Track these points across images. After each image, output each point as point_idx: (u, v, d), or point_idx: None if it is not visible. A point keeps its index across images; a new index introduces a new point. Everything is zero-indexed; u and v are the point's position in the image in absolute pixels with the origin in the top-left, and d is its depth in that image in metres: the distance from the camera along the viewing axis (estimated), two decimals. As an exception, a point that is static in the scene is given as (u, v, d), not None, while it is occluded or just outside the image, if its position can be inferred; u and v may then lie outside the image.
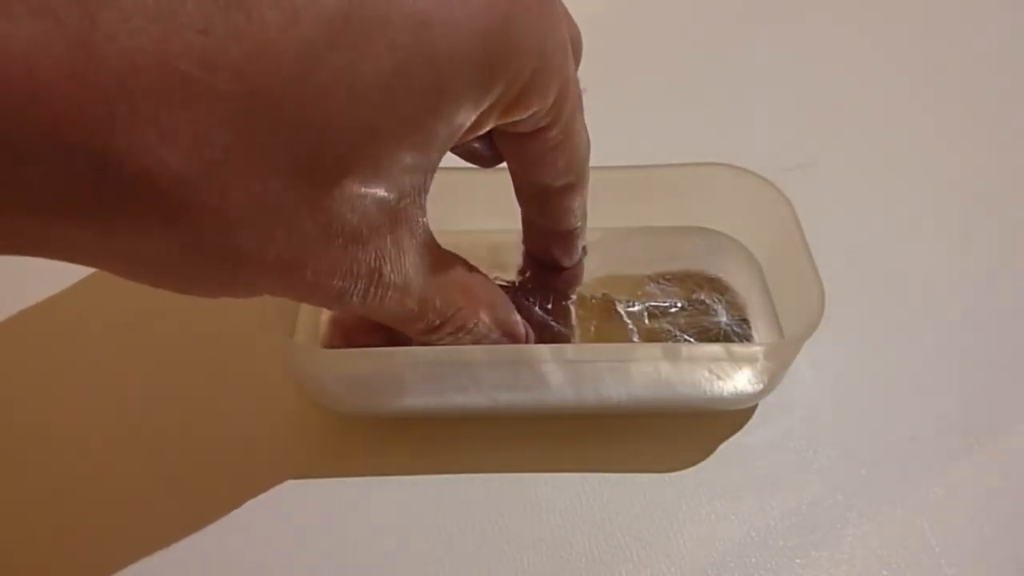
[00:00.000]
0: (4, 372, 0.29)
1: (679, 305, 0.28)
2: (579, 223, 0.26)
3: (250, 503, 0.25)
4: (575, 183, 0.24)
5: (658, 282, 0.29)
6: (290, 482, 0.26)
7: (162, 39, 0.14)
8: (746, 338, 0.28)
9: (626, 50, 0.43)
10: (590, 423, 0.27)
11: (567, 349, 0.26)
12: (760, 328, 0.29)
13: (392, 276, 0.20)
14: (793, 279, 0.27)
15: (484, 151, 0.24)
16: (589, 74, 0.41)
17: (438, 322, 0.22)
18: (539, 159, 0.23)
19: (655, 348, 0.26)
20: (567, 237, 0.27)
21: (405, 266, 0.20)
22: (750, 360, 0.25)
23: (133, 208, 0.15)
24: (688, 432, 0.27)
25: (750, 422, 0.27)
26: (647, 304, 0.28)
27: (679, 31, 0.44)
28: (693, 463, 0.26)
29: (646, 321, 0.28)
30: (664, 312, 0.28)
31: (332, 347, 0.26)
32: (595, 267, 0.30)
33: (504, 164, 0.24)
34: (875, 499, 0.25)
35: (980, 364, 0.29)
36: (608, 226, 0.31)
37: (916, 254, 0.33)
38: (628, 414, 0.28)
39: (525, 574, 0.24)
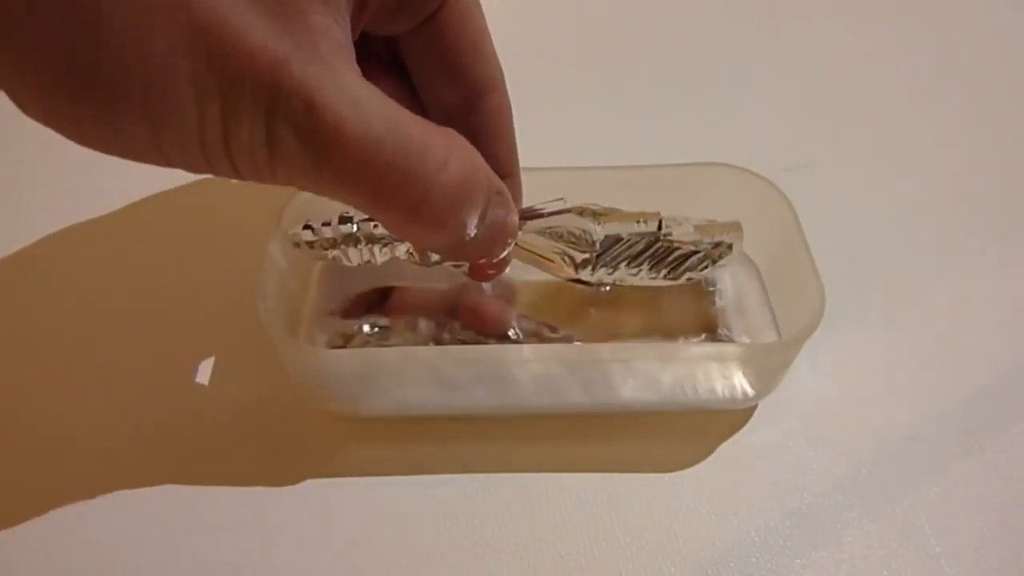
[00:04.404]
0: (4, 372, 0.29)
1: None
2: (515, 165, 0.24)
3: (250, 503, 0.26)
4: (496, 85, 0.23)
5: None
6: (290, 482, 0.26)
7: None
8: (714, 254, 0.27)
9: (626, 50, 0.43)
10: (590, 423, 0.27)
11: (567, 349, 0.26)
12: (760, 328, 0.29)
13: (327, 97, 0.17)
14: (793, 279, 0.27)
15: None
16: (590, 74, 0.41)
17: (428, 172, 0.18)
18: (453, 45, 0.22)
19: (655, 348, 0.27)
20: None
21: (345, 88, 0.17)
22: (750, 360, 0.25)
23: None
24: (688, 432, 0.27)
25: (750, 422, 0.27)
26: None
27: (679, 31, 0.44)
28: (693, 463, 0.26)
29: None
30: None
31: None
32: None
33: None
34: (875, 499, 0.25)
35: (980, 364, 0.29)
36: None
37: (916, 254, 0.33)
38: (628, 414, 0.28)
39: (525, 574, 0.24)
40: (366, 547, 0.25)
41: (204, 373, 0.29)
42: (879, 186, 0.35)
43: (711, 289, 0.30)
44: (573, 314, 0.29)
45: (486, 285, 0.29)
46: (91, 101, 0.16)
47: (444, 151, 0.19)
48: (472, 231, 0.20)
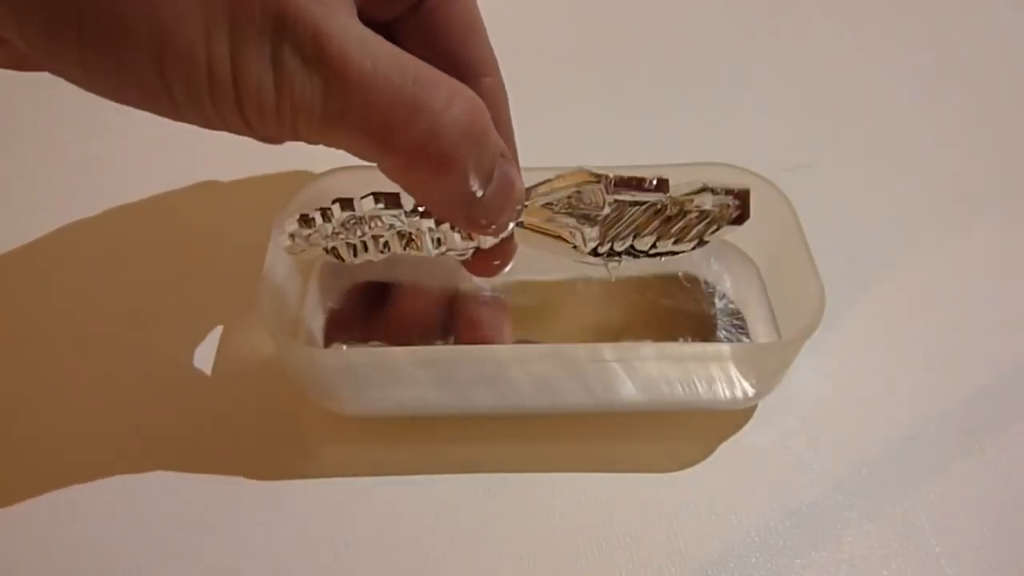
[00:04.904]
0: (4, 371, 0.29)
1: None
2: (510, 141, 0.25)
3: (250, 503, 0.25)
4: (490, 67, 0.24)
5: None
6: (290, 482, 0.26)
7: None
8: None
9: (626, 50, 0.43)
10: (590, 423, 0.27)
11: (567, 349, 0.26)
12: (759, 328, 0.29)
13: (332, 30, 0.17)
14: (793, 279, 0.27)
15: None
16: (590, 74, 0.41)
17: (437, 105, 0.19)
18: (444, 28, 0.23)
19: (655, 348, 0.26)
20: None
21: (349, 28, 0.17)
22: (750, 360, 0.25)
23: None
24: (688, 432, 0.27)
25: (750, 422, 0.27)
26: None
27: (679, 31, 0.44)
28: (693, 463, 0.26)
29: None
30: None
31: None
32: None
33: None
34: (875, 499, 0.25)
35: (980, 364, 0.29)
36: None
37: (916, 254, 0.33)
38: (628, 414, 0.28)
39: (525, 574, 0.24)
40: (365, 547, 0.25)
41: (204, 373, 0.29)
42: (879, 186, 0.35)
43: (711, 290, 0.30)
44: (572, 315, 0.30)
45: (481, 283, 0.29)
46: (98, 37, 0.16)
47: (450, 92, 0.19)
48: (480, 190, 0.20)
